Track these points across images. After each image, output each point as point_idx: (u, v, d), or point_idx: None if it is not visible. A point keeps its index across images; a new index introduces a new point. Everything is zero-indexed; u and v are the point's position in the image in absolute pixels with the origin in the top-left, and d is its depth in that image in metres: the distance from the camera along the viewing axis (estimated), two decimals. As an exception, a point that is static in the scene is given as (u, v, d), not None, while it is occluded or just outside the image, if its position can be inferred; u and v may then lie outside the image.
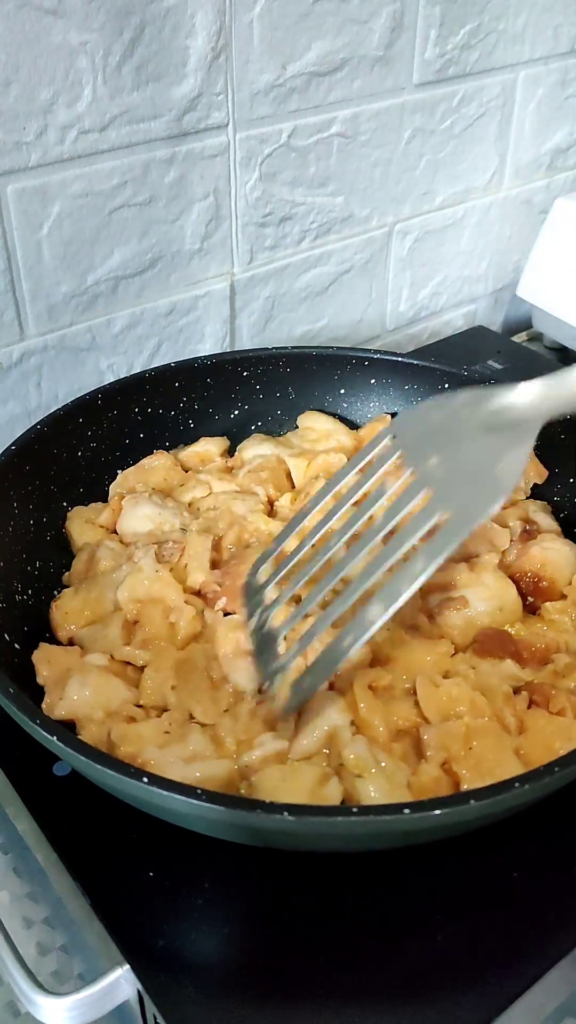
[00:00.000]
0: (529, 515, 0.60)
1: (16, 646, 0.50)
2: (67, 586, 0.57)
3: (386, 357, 0.69)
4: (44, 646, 0.51)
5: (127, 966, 0.41)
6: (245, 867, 0.45)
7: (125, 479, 0.63)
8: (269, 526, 0.58)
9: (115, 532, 0.60)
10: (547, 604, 0.54)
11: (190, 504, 0.61)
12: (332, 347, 0.71)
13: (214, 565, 0.55)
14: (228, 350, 0.79)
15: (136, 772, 0.38)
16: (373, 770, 0.42)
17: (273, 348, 0.69)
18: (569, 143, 0.96)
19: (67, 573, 0.58)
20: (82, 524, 0.59)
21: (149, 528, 0.58)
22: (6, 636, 0.50)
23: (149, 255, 0.70)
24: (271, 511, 0.61)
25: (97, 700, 0.47)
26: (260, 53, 0.68)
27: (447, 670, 0.49)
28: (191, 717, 0.47)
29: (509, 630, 0.52)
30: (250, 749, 0.44)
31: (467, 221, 0.91)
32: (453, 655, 0.50)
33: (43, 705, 0.47)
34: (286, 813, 0.36)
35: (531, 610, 0.55)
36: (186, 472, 0.65)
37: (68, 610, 0.53)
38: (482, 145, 0.88)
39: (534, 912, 0.44)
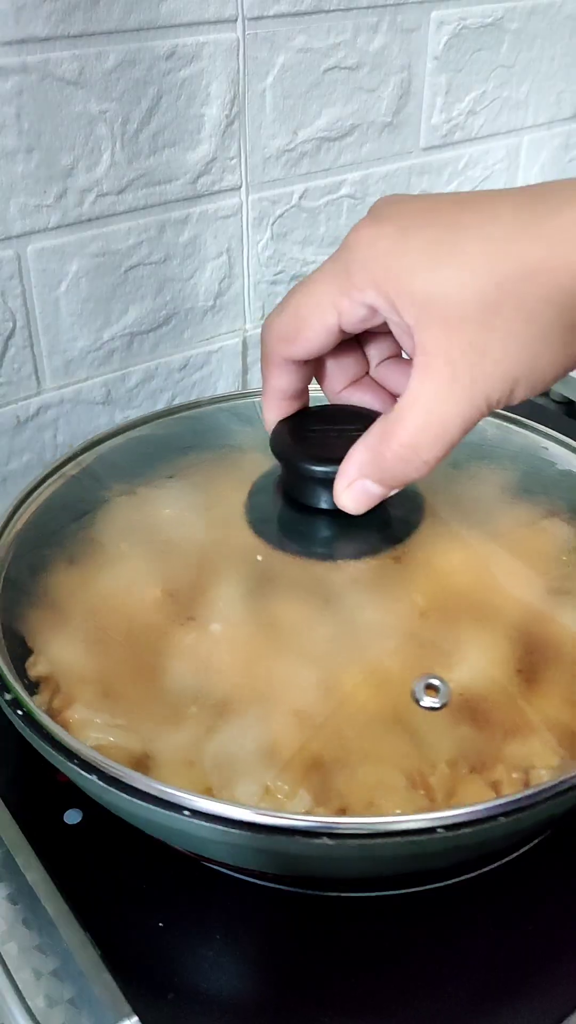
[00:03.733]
0: None
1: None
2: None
3: None
4: (37, 610, 0.51)
5: (135, 1019, 0.41)
6: (256, 918, 0.45)
7: None
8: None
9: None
10: (544, 672, 0.52)
11: None
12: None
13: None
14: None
15: (169, 804, 0.38)
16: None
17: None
18: (573, 203, 0.98)
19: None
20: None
21: None
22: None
23: (164, 312, 0.72)
24: None
25: (73, 666, 0.46)
26: (272, 120, 0.71)
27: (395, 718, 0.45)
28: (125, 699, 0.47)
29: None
30: (161, 737, 0.43)
31: (474, 278, 0.93)
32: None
33: (26, 664, 0.47)
34: (326, 838, 0.37)
35: (527, 674, 0.52)
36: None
37: (58, 580, 0.54)
38: (488, 206, 0.90)
39: (546, 962, 0.43)
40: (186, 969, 0.43)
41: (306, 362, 0.45)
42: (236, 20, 0.66)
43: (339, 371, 0.47)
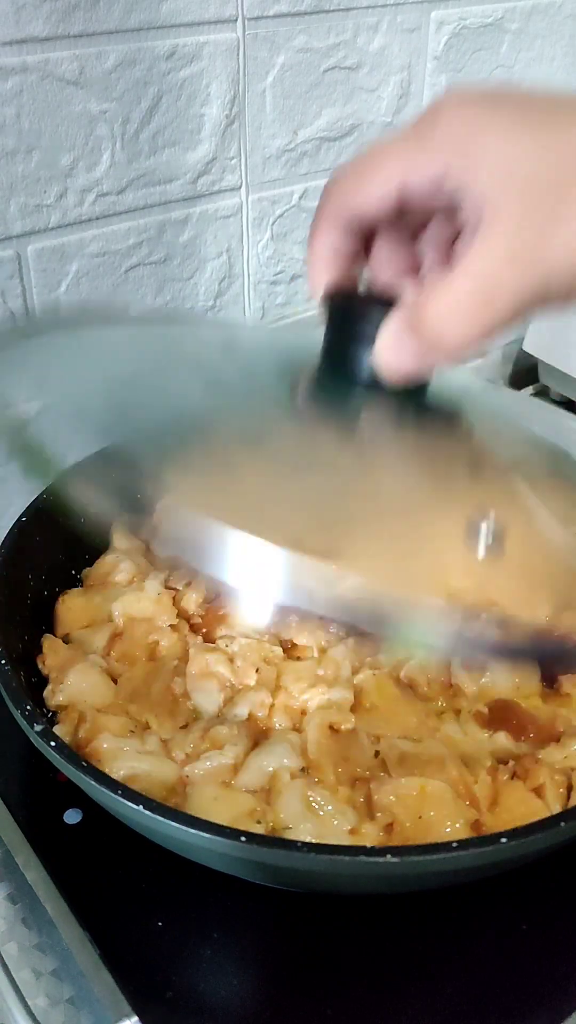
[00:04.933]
0: None
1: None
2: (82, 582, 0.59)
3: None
4: (49, 637, 0.52)
5: (135, 1018, 0.41)
6: (254, 917, 0.45)
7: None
8: None
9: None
10: (564, 677, 0.51)
11: None
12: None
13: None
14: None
15: (177, 816, 0.38)
16: (301, 825, 0.42)
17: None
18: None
19: (87, 569, 0.59)
20: (126, 531, 0.61)
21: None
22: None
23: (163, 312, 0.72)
24: None
25: (92, 695, 0.48)
26: (272, 120, 0.71)
27: (430, 729, 0.47)
28: (148, 726, 0.48)
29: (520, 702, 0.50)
30: (197, 761, 0.45)
31: (474, 278, 0.93)
32: (441, 714, 0.49)
33: (44, 693, 0.48)
34: (341, 855, 0.37)
35: (549, 681, 0.52)
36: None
37: (71, 606, 0.55)
38: (488, 205, 0.90)
39: (543, 965, 0.43)
40: (185, 968, 0.43)
41: (358, 233, 0.41)
42: (236, 20, 0.66)
43: (390, 260, 0.43)
